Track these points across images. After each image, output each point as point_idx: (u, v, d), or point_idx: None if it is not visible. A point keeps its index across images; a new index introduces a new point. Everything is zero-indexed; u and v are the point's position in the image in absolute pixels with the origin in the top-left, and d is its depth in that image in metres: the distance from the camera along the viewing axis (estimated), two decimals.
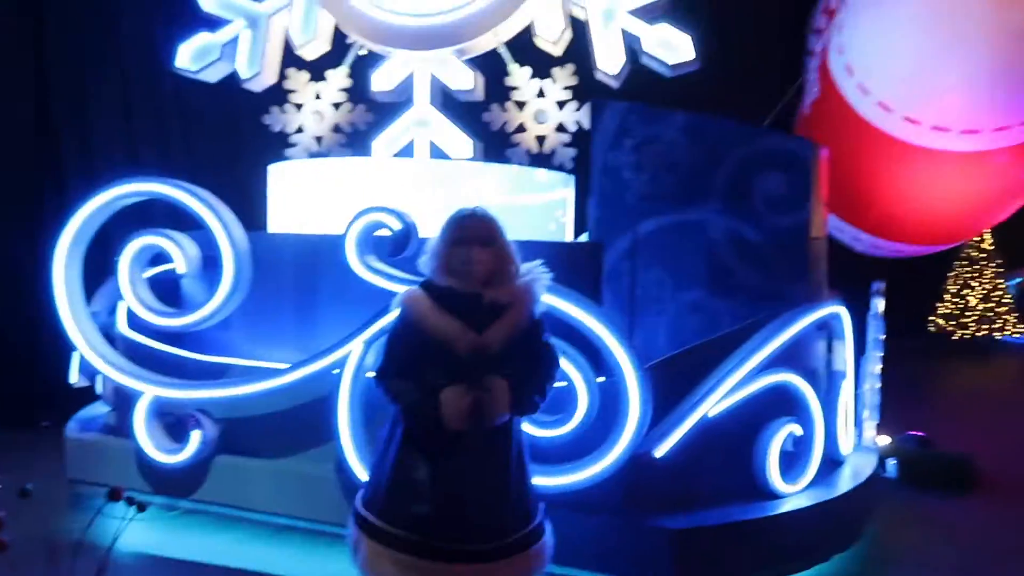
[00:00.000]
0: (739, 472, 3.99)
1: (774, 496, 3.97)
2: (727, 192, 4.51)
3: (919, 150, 6.16)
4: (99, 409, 5.26)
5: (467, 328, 2.51)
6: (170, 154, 7.29)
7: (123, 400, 4.66)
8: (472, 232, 2.57)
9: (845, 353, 4.66)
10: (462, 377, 2.49)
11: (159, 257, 4.61)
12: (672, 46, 4.98)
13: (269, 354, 4.44)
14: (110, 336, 4.82)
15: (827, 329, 4.66)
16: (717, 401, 3.82)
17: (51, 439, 5.39)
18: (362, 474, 3.77)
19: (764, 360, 3.96)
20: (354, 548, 2.61)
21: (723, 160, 4.52)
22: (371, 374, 3.83)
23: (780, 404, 4.07)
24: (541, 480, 3.59)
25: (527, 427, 3.59)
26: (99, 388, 5.22)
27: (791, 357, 4.13)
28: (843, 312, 4.67)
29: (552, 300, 3.63)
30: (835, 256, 5.24)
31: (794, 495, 4.01)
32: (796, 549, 3.89)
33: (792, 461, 4.09)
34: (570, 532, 3.69)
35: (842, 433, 4.58)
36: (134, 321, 4.67)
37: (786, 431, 4.01)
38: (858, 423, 5.14)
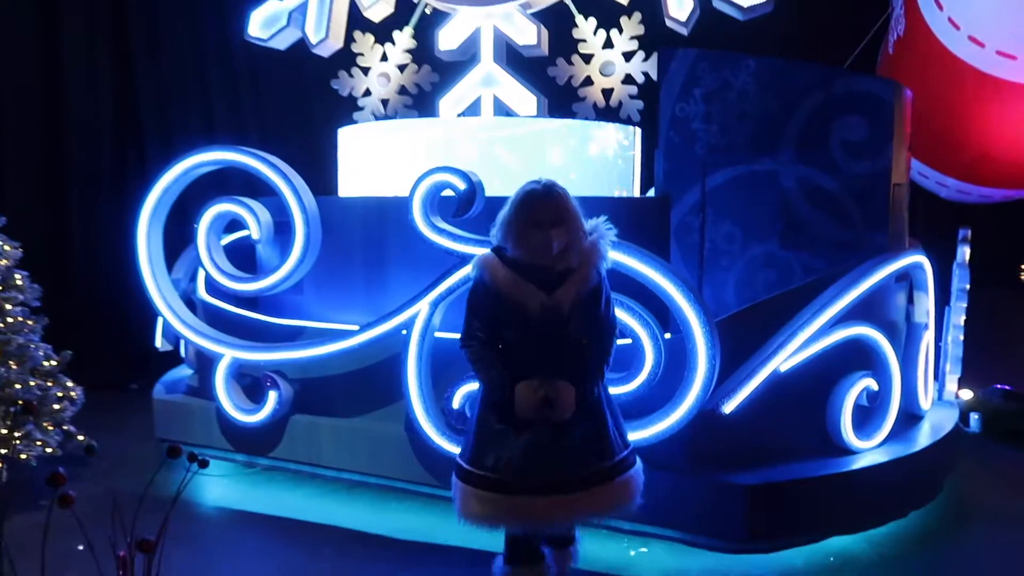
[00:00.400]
0: (812, 428, 3.90)
1: (848, 452, 3.86)
2: (802, 140, 4.33)
3: (1014, 86, 5.76)
4: (183, 372, 5.51)
5: (538, 290, 2.68)
6: (243, 123, 7.48)
7: (204, 363, 4.86)
8: (546, 215, 2.70)
9: (927, 304, 4.46)
10: (536, 331, 2.67)
11: (235, 224, 4.76)
12: None
13: (340, 316, 4.55)
14: (191, 302, 5.03)
15: (908, 280, 4.47)
16: (789, 356, 3.72)
17: (140, 401, 5.69)
18: (430, 431, 3.84)
19: (839, 313, 3.83)
20: (454, 495, 2.84)
21: (798, 106, 4.34)
22: (440, 334, 3.90)
23: (856, 358, 3.93)
24: None
25: None
26: (182, 352, 5.47)
27: (868, 309, 3.98)
28: (925, 262, 4.47)
29: (619, 256, 3.59)
30: (917, 203, 4.99)
31: (869, 451, 3.89)
32: (871, 505, 3.79)
33: (868, 416, 3.96)
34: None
35: (922, 387, 4.41)
36: (212, 286, 4.85)
37: (861, 386, 3.88)
38: (939, 377, 4.93)
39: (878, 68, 7.18)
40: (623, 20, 5.25)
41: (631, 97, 5.34)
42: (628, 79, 5.32)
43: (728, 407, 3.60)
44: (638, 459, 2.94)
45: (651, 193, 5.03)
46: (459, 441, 3.83)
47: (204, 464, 2.40)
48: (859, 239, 4.26)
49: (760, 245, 4.45)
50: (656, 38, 5.20)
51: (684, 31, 5.00)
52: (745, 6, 4.81)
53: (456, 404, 3.83)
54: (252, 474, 4.70)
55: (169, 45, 7.36)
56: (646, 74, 5.26)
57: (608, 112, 5.42)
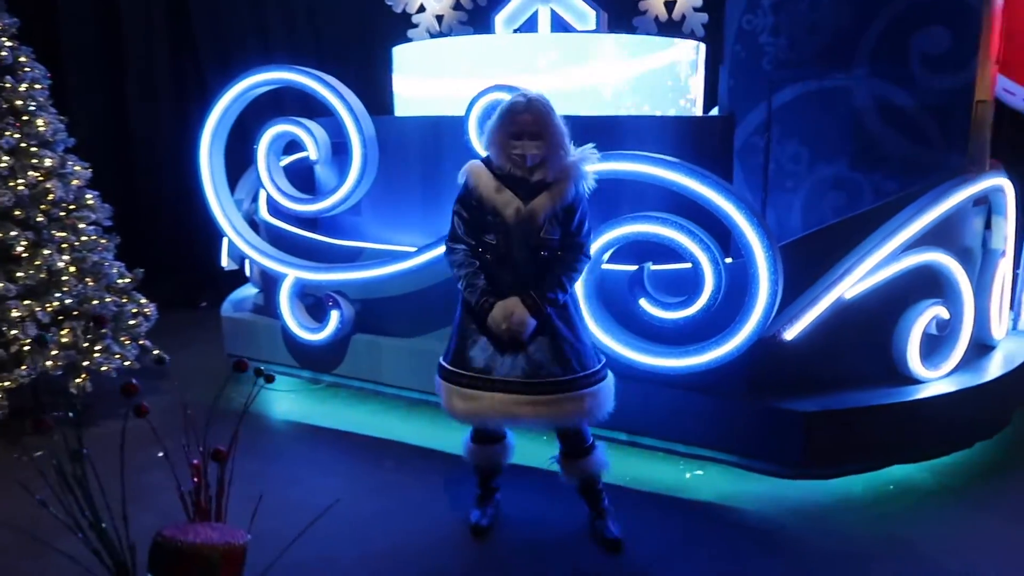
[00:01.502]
0: (876, 356, 3.82)
1: (914, 381, 3.78)
2: (878, 53, 4.09)
3: None
4: (249, 290, 5.66)
5: (515, 197, 2.83)
6: (298, 42, 7.42)
7: (269, 282, 4.98)
8: (526, 127, 2.79)
9: (1005, 230, 4.26)
10: (512, 238, 2.84)
11: (293, 145, 4.78)
12: None
13: (397, 238, 4.57)
14: (253, 222, 5.12)
15: (986, 203, 4.26)
16: (855, 282, 3.62)
17: (209, 318, 5.88)
18: None
19: (911, 238, 3.68)
20: (437, 391, 3.06)
21: (875, 16, 4.07)
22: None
23: (926, 285, 3.80)
24: (666, 361, 3.59)
25: (652, 309, 3.57)
26: (247, 271, 5.60)
27: (942, 234, 3.82)
28: (1006, 185, 4.24)
29: (679, 178, 3.50)
30: (1002, 122, 4.70)
31: (936, 380, 3.80)
32: (935, 435, 3.72)
33: (936, 345, 3.86)
34: (697, 414, 3.72)
35: (996, 316, 4.25)
36: (274, 207, 4.91)
37: (931, 314, 3.76)
38: (1015, 306, 4.75)
39: None
40: None
41: (695, 10, 5.11)
42: None
43: (789, 334, 3.54)
44: (609, 374, 3.05)
45: (714, 112, 4.85)
46: None
47: (270, 379, 2.48)
48: (936, 159, 4.05)
49: (828, 166, 4.28)
50: None
51: None
52: None
53: None
54: (316, 390, 4.86)
55: None
56: None
57: (670, 26, 5.20)
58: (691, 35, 5.11)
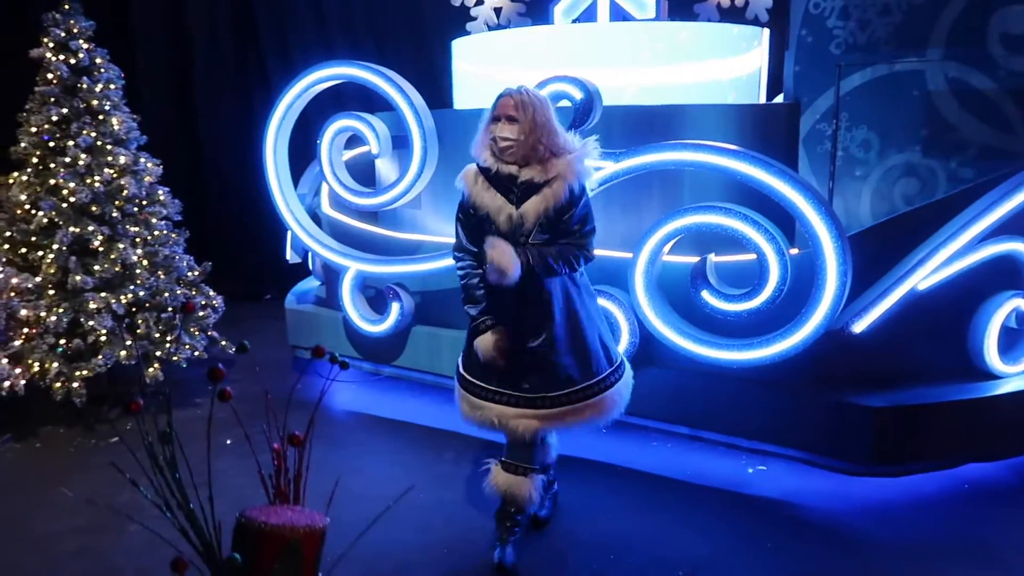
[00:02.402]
0: (951, 350, 3.68)
1: (992, 376, 3.63)
2: (955, 34, 3.94)
3: None
4: (312, 283, 5.77)
5: (507, 202, 2.73)
6: (358, 37, 7.50)
7: (331, 275, 5.07)
8: (505, 110, 2.70)
9: None
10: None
11: (355, 139, 4.84)
12: None
13: None
14: (316, 216, 5.21)
15: None
16: (929, 273, 3.49)
17: (273, 310, 6.02)
18: None
19: (990, 227, 3.53)
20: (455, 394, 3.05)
21: None
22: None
23: (1005, 276, 3.64)
24: (729, 354, 3.53)
25: (714, 301, 3.51)
26: (310, 264, 5.71)
27: (1022, 224, 3.65)
28: None
29: (742, 167, 3.43)
30: None
31: (1016, 376, 3.64)
32: (1016, 432, 3.57)
33: (1016, 339, 3.69)
34: (760, 408, 3.65)
35: None
36: (336, 201, 4.99)
37: (1010, 307, 3.60)
38: None
39: None
40: None
41: None
42: None
43: (858, 327, 3.43)
44: (625, 373, 2.98)
45: (779, 99, 4.73)
46: None
47: (345, 365, 2.51)
48: (1016, 145, 3.88)
49: (900, 153, 4.14)
50: None
51: None
52: None
53: None
54: (378, 381, 4.92)
55: None
56: None
57: (733, 13, 5.09)
58: (754, 21, 4.99)
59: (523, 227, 2.73)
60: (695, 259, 3.60)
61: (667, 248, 3.65)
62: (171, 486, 2.10)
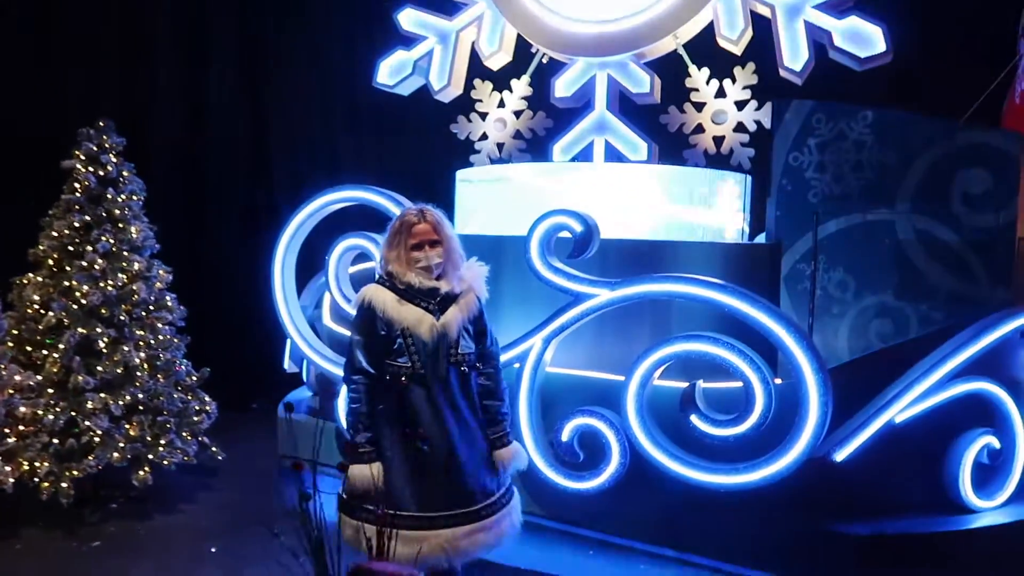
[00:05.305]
0: (928, 483, 3.82)
1: (967, 510, 3.76)
2: (921, 191, 4.30)
3: None
4: (303, 393, 5.84)
5: (426, 314, 2.86)
6: (365, 162, 7.91)
7: (325, 385, 5.17)
8: (425, 237, 2.89)
9: None
10: (427, 356, 2.84)
11: (361, 256, 5.08)
12: (862, 38, 4.78)
13: None
14: (315, 328, 5.37)
15: None
16: (905, 407, 3.68)
17: (261, 419, 6.03)
18: (540, 462, 3.97)
19: (959, 366, 3.77)
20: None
21: (918, 158, 4.31)
22: (552, 369, 4.03)
23: (976, 414, 3.84)
24: (716, 478, 3.64)
25: (703, 425, 3.66)
26: (304, 375, 5.81)
27: (990, 365, 3.89)
28: None
29: (729, 300, 3.67)
30: None
31: (990, 511, 3.78)
32: (989, 567, 3.66)
33: (989, 475, 3.85)
34: (746, 532, 3.73)
35: None
36: (337, 313, 5.17)
37: (982, 443, 3.79)
38: None
39: (1003, 118, 6.97)
40: (737, 70, 5.34)
41: (742, 145, 5.40)
42: (740, 127, 5.39)
43: (840, 455, 3.59)
44: (515, 489, 3.10)
45: (760, 239, 5.06)
46: (567, 473, 3.96)
47: (299, 467, 2.67)
48: (980, 293, 4.18)
49: (874, 295, 4.42)
50: (768, 87, 5.26)
51: (798, 81, 5.05)
52: (862, 56, 4.82)
53: (565, 437, 3.96)
54: None
55: (300, 91, 7.91)
56: (758, 122, 5.32)
57: (718, 159, 5.49)
58: (738, 168, 5.39)
59: (447, 337, 2.86)
60: (684, 384, 3.77)
61: (658, 373, 3.83)
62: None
